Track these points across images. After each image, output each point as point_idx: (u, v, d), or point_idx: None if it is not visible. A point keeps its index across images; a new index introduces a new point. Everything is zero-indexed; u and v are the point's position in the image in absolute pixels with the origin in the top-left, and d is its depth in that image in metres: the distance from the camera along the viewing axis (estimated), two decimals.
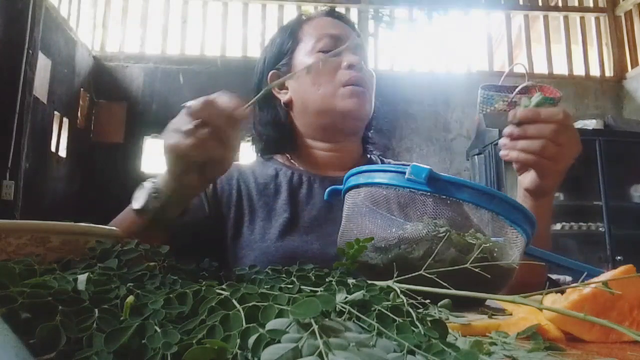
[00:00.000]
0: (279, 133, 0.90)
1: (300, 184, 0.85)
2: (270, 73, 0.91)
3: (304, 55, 0.88)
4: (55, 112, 3.15)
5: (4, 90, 2.60)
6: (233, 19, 3.84)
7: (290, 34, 0.91)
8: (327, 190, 0.65)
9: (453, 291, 0.34)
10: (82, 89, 3.48)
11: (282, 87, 0.90)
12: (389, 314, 0.27)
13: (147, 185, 0.62)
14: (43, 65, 2.93)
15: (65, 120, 3.28)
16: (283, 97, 0.90)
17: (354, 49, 0.86)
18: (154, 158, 3.58)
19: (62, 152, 3.27)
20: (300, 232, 0.78)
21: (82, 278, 0.29)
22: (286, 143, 0.91)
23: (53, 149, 3.16)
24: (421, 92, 3.67)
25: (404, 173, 0.47)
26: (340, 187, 0.59)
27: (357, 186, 0.53)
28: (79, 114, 3.46)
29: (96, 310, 0.26)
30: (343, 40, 0.85)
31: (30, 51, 2.73)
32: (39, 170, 2.96)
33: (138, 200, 0.62)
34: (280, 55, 0.91)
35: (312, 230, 0.78)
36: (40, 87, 2.91)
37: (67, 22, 3.33)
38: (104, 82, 3.66)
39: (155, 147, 3.60)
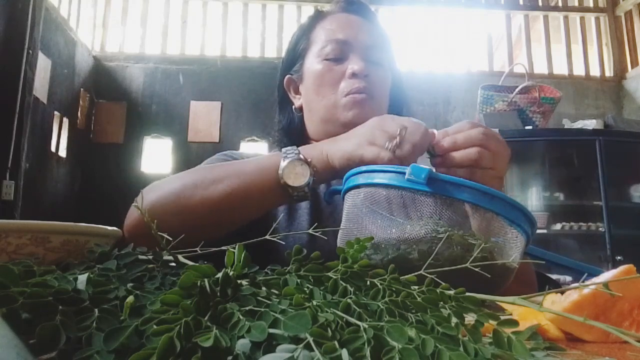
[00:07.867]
0: (292, 137, 0.89)
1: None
2: (286, 78, 0.90)
3: (311, 62, 0.85)
4: (55, 112, 3.15)
5: (4, 90, 2.60)
6: (233, 19, 3.84)
7: (304, 34, 0.88)
8: (326, 191, 0.65)
9: (453, 291, 0.34)
10: (82, 89, 3.48)
11: (297, 91, 0.90)
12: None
13: (305, 169, 0.62)
14: (43, 65, 2.93)
15: (65, 120, 3.28)
16: (297, 102, 0.90)
17: (364, 51, 0.82)
18: (154, 158, 3.58)
19: (62, 152, 3.27)
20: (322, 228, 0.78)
21: (82, 278, 0.30)
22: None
23: (53, 149, 3.15)
24: (421, 92, 3.67)
25: (404, 173, 0.47)
26: (340, 187, 0.59)
27: (357, 186, 0.53)
28: (79, 114, 3.46)
29: (96, 310, 0.26)
30: (351, 44, 0.82)
31: (30, 51, 2.73)
32: (39, 170, 2.96)
33: (298, 177, 0.61)
34: (295, 58, 0.89)
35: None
36: (40, 87, 2.91)
37: (67, 22, 3.33)
38: (104, 82, 3.66)
39: (155, 147, 3.60)
